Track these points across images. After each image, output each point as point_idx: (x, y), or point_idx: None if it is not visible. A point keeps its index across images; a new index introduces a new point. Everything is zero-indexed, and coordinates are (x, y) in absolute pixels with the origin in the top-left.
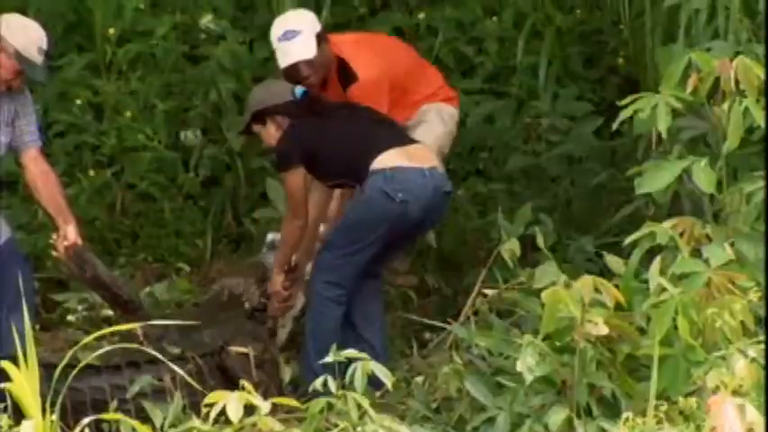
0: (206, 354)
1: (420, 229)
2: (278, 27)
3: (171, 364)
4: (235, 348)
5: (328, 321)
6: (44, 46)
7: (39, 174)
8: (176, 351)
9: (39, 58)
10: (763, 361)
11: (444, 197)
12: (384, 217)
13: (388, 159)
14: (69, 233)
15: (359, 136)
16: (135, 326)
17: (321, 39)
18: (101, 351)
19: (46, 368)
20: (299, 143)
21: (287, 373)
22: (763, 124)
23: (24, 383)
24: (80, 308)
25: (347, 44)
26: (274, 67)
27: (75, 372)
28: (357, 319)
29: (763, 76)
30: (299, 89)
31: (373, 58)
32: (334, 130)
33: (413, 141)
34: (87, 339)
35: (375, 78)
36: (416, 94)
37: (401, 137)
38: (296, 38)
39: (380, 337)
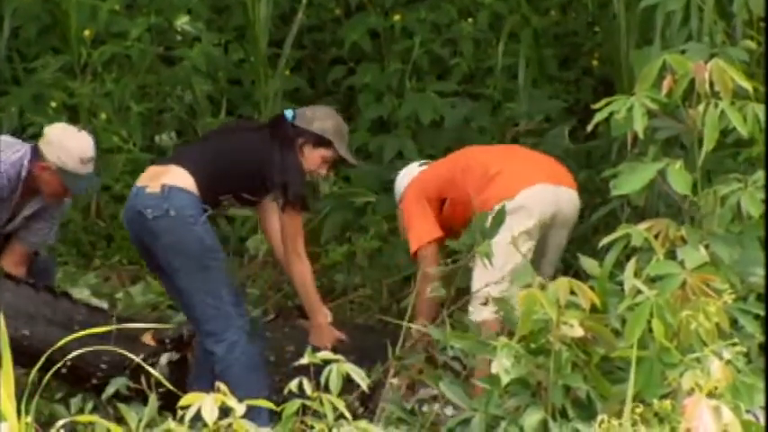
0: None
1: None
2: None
3: (144, 364)
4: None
5: None
6: (87, 154)
7: (8, 264)
8: None
9: (83, 169)
10: (737, 363)
11: (137, 216)
12: None
13: None
14: None
15: None
16: (111, 328)
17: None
18: (74, 354)
19: None
20: None
21: None
22: (738, 127)
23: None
24: None
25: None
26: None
27: (48, 375)
28: None
29: (736, 78)
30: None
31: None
32: None
33: (190, 161)
34: (62, 342)
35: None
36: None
37: (191, 158)
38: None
39: None
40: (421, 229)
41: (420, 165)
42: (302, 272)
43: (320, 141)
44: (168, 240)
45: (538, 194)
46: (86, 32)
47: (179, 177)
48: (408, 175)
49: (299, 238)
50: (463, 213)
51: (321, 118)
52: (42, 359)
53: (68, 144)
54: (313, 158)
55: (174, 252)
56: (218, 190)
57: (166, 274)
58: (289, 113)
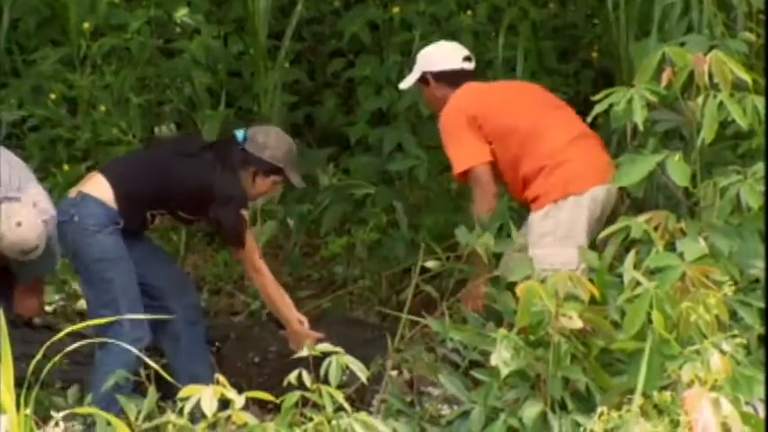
0: None
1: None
2: None
3: (145, 358)
4: None
5: None
6: (27, 246)
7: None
8: None
9: (25, 257)
10: (736, 355)
11: (58, 225)
12: None
13: None
14: None
15: None
16: (110, 320)
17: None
18: (72, 347)
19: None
20: None
21: None
22: (738, 119)
23: None
24: (56, 297)
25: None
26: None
27: (47, 369)
28: None
29: (736, 70)
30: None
31: (464, 96)
32: None
33: (116, 173)
34: (59, 336)
35: (444, 113)
36: (524, 165)
37: (117, 170)
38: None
39: None
40: (469, 150)
41: (464, 59)
42: (264, 285)
43: (272, 170)
44: (67, 245)
45: (590, 198)
46: (86, 25)
47: (97, 187)
48: (445, 56)
49: (254, 252)
50: (507, 174)
51: (273, 146)
52: (43, 349)
53: (9, 236)
54: (265, 185)
55: (74, 259)
56: (146, 205)
57: None
58: (240, 134)
